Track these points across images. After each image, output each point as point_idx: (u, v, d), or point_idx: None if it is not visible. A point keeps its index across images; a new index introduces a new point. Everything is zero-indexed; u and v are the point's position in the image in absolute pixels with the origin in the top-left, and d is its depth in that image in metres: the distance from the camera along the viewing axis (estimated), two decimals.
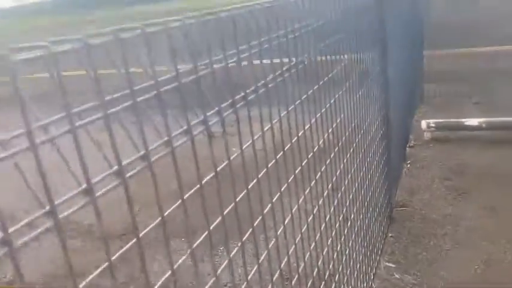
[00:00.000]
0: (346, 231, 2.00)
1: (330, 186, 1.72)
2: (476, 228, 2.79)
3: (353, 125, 2.06)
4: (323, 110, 1.62)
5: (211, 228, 0.86)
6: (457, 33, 8.45)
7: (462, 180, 3.41)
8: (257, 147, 0.99)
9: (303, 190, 1.45)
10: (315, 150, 1.52)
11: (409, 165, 3.77)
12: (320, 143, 1.57)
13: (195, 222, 0.76)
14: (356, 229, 2.19)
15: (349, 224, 2.05)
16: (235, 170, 0.89)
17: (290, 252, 1.35)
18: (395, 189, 3.26)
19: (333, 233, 1.81)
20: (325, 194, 1.66)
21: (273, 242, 1.20)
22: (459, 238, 2.69)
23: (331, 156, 1.76)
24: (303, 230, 1.46)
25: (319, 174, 1.61)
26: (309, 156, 1.47)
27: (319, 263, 1.60)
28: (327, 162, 1.70)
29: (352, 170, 2.08)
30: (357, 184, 2.17)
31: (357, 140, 2.15)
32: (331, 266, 1.73)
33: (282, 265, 1.27)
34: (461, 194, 3.20)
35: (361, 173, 2.27)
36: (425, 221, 2.91)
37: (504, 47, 7.44)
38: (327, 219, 1.73)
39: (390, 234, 2.77)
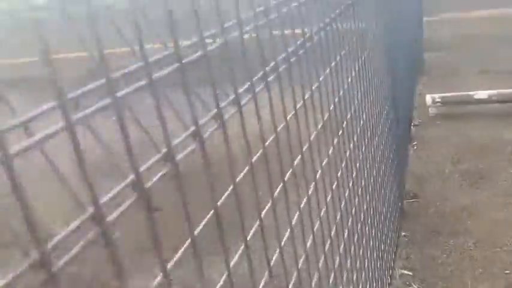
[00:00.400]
0: (356, 239, 1.65)
1: (335, 184, 1.36)
2: (501, 222, 2.46)
3: (356, 102, 1.68)
4: (324, 77, 1.23)
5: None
6: None
7: (477, 163, 3.08)
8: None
9: (306, 190, 1.08)
10: (319, 126, 1.15)
11: (415, 147, 3.42)
12: (319, 127, 1.20)
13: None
14: (367, 232, 1.84)
15: (359, 227, 1.70)
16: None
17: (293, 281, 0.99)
18: (404, 176, 2.92)
19: (341, 248, 1.46)
20: (328, 197, 1.29)
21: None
22: (483, 235, 2.37)
23: (335, 142, 1.37)
24: (300, 263, 1.10)
25: (326, 162, 1.24)
26: (311, 137, 1.09)
27: None
28: (330, 152, 1.32)
29: (359, 160, 1.72)
30: (363, 181, 1.81)
31: (361, 121, 1.77)
32: None
33: None
34: (478, 180, 2.87)
35: (369, 162, 1.90)
36: (441, 215, 2.58)
37: (509, 10, 7.04)
38: (332, 233, 1.37)
39: (403, 233, 2.45)
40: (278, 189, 0.90)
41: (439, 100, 3.86)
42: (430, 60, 5.19)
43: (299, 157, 1.02)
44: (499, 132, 3.45)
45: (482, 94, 3.78)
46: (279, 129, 0.88)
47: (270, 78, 0.81)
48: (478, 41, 5.77)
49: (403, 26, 3.49)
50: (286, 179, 0.92)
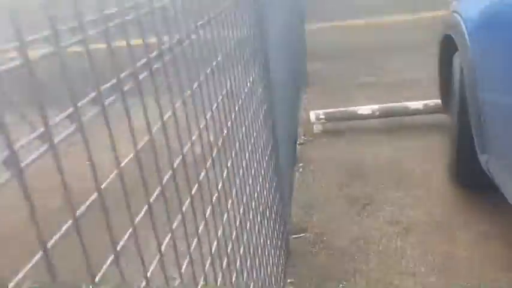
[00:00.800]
0: None
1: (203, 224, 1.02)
2: (391, 255, 2.30)
3: (230, 122, 1.36)
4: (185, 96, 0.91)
5: None
6: (332, 3, 8.17)
7: (362, 186, 2.94)
8: None
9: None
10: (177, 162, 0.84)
11: (301, 170, 3.21)
12: (185, 151, 0.90)
13: None
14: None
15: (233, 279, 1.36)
16: None
17: None
18: (290, 206, 2.67)
19: None
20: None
21: None
22: (374, 274, 2.18)
23: (200, 178, 1.02)
24: None
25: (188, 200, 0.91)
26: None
27: None
28: (194, 189, 0.97)
29: (234, 192, 1.39)
30: (239, 219, 1.47)
31: (237, 145, 1.46)
32: None
33: None
34: (365, 207, 2.71)
35: (246, 194, 1.58)
36: (330, 252, 2.36)
37: (385, 19, 7.31)
38: None
39: (289, 280, 2.17)
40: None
41: (323, 117, 3.71)
42: (312, 71, 5.10)
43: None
44: (383, 149, 3.37)
45: (365, 109, 3.71)
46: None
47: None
48: (356, 50, 5.85)
49: (285, 33, 3.27)
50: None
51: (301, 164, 3.27)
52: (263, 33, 2.03)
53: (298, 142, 3.58)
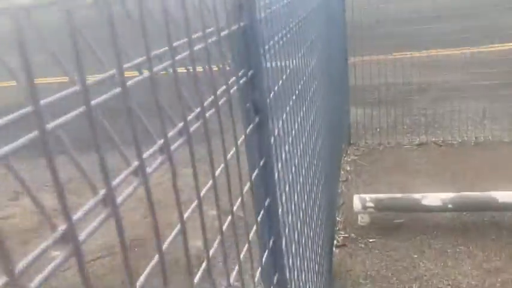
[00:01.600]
0: None
1: None
2: None
3: None
4: None
5: None
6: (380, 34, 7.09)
7: None
8: None
9: None
10: None
11: None
12: None
13: None
14: None
15: None
16: None
17: None
18: None
19: None
20: None
21: None
22: None
23: None
24: None
25: None
26: None
27: None
28: None
29: None
30: None
31: None
32: None
33: None
34: None
35: None
36: None
37: (444, 51, 6.20)
38: None
39: None
40: None
41: (371, 205, 2.68)
42: (356, 120, 4.06)
43: None
44: (462, 268, 2.33)
45: (432, 199, 2.66)
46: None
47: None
48: (419, 94, 4.76)
49: (319, 73, 2.27)
50: None
51: None
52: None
53: (335, 243, 2.56)
